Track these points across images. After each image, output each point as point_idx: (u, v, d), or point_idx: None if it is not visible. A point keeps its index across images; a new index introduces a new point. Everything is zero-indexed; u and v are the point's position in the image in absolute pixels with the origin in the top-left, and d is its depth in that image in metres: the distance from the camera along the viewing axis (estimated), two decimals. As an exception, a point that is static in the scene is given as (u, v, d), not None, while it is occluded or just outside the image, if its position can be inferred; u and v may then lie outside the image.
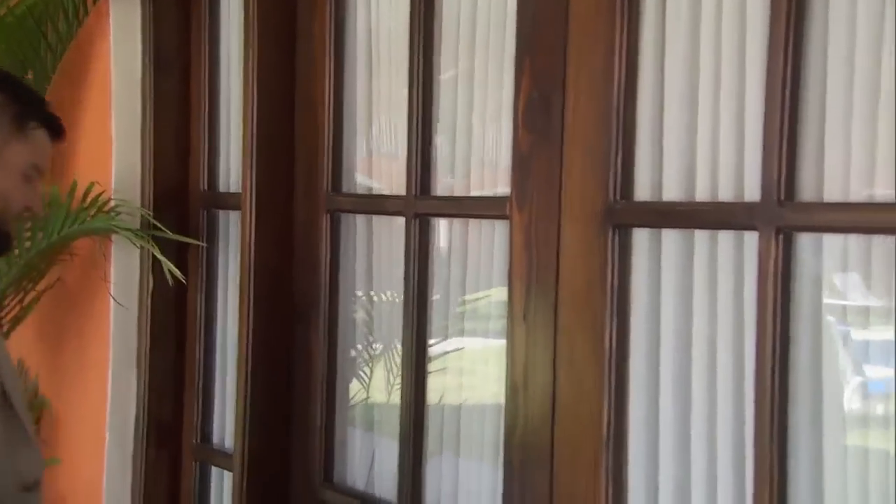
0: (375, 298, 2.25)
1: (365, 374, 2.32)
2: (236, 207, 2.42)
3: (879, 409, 1.36)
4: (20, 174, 1.54)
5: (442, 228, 2.03)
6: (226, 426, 2.61)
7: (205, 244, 2.60)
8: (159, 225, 2.52)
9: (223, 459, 2.56)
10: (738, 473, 1.49)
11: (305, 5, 2.24)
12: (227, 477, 2.55)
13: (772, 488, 1.40)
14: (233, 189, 2.53)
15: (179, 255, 2.59)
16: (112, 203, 2.53)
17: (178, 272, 2.45)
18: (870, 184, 1.34)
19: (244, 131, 2.27)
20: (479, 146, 1.96)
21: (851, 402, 1.38)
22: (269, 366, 2.31)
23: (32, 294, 2.74)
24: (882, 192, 1.32)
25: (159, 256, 2.46)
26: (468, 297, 2.02)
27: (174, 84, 2.59)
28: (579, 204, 1.66)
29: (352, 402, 2.31)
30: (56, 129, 1.60)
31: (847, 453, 1.38)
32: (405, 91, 2.01)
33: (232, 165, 2.55)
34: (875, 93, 1.32)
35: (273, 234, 2.29)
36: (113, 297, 2.60)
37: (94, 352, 2.73)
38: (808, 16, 1.38)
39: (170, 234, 2.51)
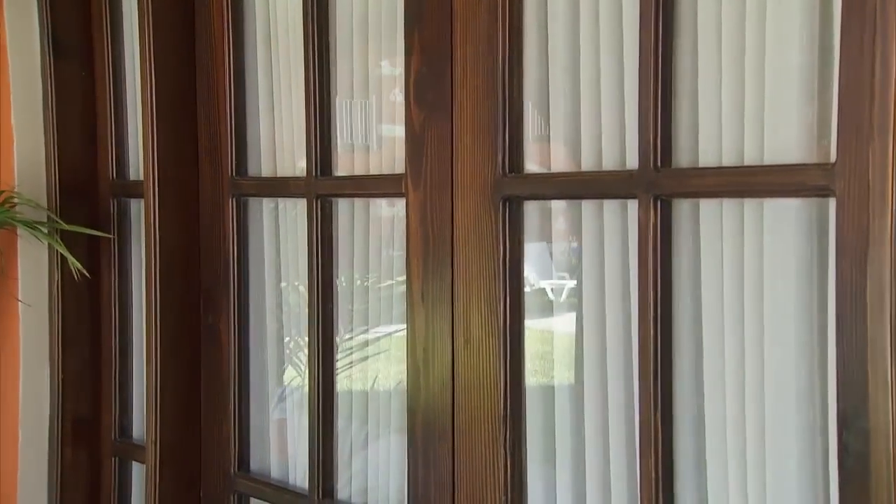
0: (284, 283, 2.25)
1: (278, 359, 2.31)
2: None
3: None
4: None
5: (344, 209, 2.03)
6: (144, 420, 2.60)
7: (113, 236, 2.57)
8: (55, 218, 2.48)
9: (142, 453, 2.54)
10: (630, 443, 1.52)
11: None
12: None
13: (657, 452, 1.43)
14: (143, 177, 2.51)
15: (91, 247, 2.57)
16: (11, 195, 2.49)
17: (80, 266, 2.41)
18: (740, 149, 1.37)
19: (143, 117, 2.25)
20: (377, 125, 1.97)
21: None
22: (179, 354, 2.30)
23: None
24: (750, 156, 1.35)
25: (62, 250, 2.43)
26: (373, 278, 2.03)
27: (76, 70, 2.55)
28: (470, 178, 1.68)
29: (267, 389, 2.31)
30: None
31: (727, 413, 1.41)
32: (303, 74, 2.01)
33: (141, 153, 2.53)
34: (741, 60, 1.35)
35: (178, 220, 2.28)
36: (19, 299, 2.56)
37: (3, 350, 2.69)
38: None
39: (64, 226, 2.46)
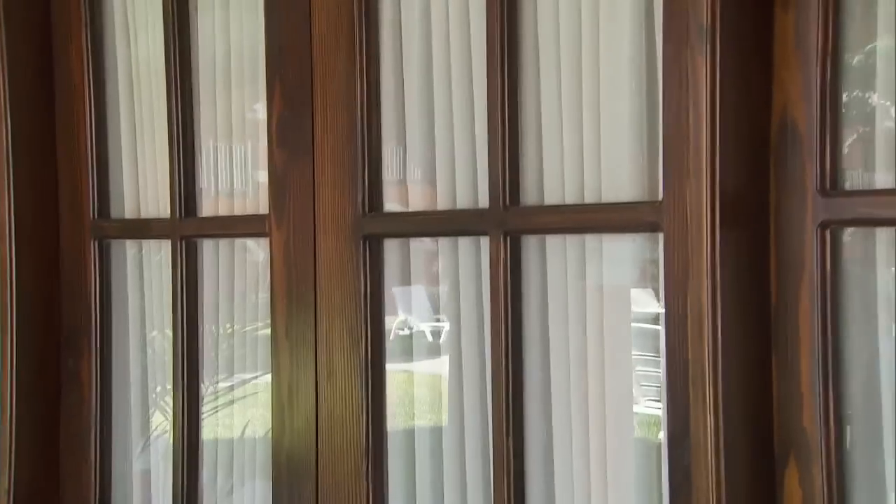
0: (149, 326, 2.26)
1: (142, 405, 2.32)
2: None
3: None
4: None
5: (208, 251, 2.07)
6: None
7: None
8: None
9: (-4, 504, 2.49)
10: (485, 470, 1.61)
11: (60, 29, 2.24)
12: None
13: (508, 482, 1.52)
14: (-2, 221, 2.49)
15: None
16: None
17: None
18: (580, 188, 1.50)
19: (-1, 158, 2.24)
20: (242, 167, 2.03)
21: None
22: (37, 397, 2.28)
23: None
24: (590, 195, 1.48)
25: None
26: (239, 322, 2.07)
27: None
28: (332, 217, 1.75)
29: (130, 435, 2.31)
30: None
31: (572, 437, 1.52)
32: (165, 115, 2.06)
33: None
34: (580, 108, 1.49)
35: (37, 262, 2.27)
36: None
37: None
38: (519, 40, 1.53)
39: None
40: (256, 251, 2.02)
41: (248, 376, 2.09)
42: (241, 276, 2.05)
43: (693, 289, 1.25)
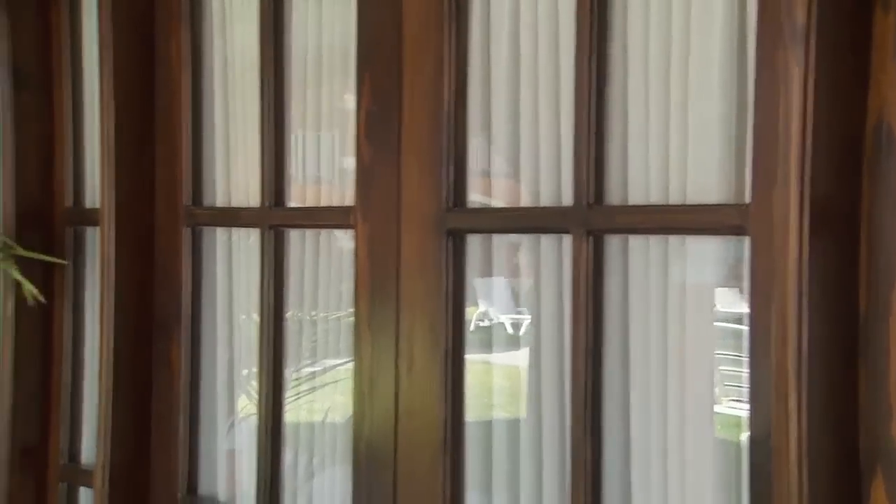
0: (237, 312, 2.30)
1: (229, 386, 2.36)
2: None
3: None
4: None
5: (295, 239, 2.09)
6: (94, 445, 2.62)
7: (68, 262, 2.61)
8: (11, 243, 2.51)
9: (90, 478, 2.57)
10: (561, 465, 1.60)
11: (162, 24, 2.29)
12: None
13: (585, 478, 1.50)
14: (100, 205, 2.56)
15: (46, 274, 2.60)
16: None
17: (36, 292, 2.45)
18: (665, 189, 1.47)
19: (101, 148, 2.30)
20: (330, 159, 2.04)
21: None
22: (130, 379, 2.34)
23: None
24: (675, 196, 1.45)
25: (18, 277, 2.45)
26: (323, 310, 2.09)
27: (35, 98, 2.59)
28: (416, 211, 1.76)
29: (216, 416, 2.35)
30: None
31: (651, 436, 1.50)
32: (258, 106, 2.09)
33: (98, 181, 2.58)
34: (667, 108, 1.46)
35: (133, 248, 2.32)
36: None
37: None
38: (609, 39, 1.50)
39: (24, 253, 2.50)
40: (342, 240, 2.03)
41: (330, 363, 2.11)
42: (325, 264, 2.07)
43: (779, 294, 1.21)
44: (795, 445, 1.17)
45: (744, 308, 1.36)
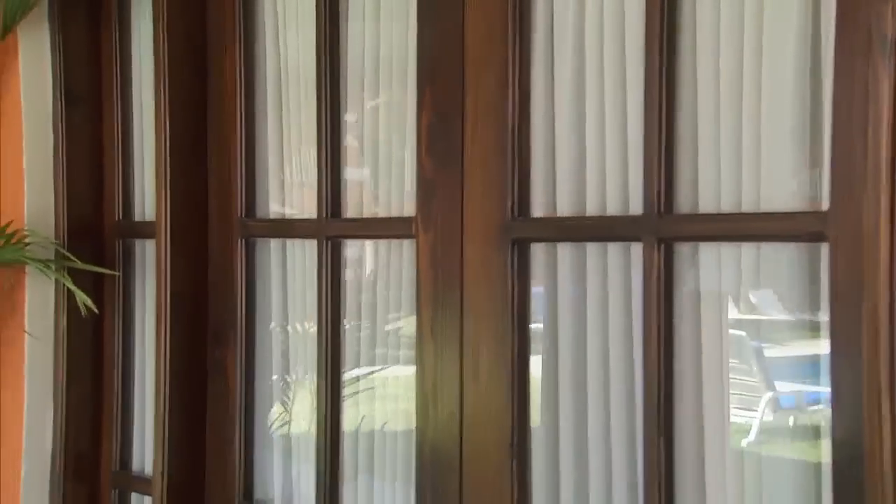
0: (292, 320, 2.29)
1: (283, 394, 2.35)
2: (151, 236, 2.45)
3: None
4: None
5: (353, 251, 2.08)
6: (145, 452, 2.61)
7: (119, 273, 2.60)
8: (69, 255, 2.51)
9: (143, 485, 2.56)
10: (631, 474, 1.58)
11: (215, 39, 2.28)
12: (147, 502, 2.55)
13: (660, 487, 1.49)
14: (148, 218, 2.55)
15: (96, 285, 2.59)
16: (22, 234, 2.52)
17: (90, 302, 2.44)
18: (737, 196, 1.45)
19: (157, 162, 2.30)
20: (387, 171, 2.03)
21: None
22: (186, 387, 2.33)
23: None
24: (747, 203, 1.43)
25: (71, 287, 2.45)
26: (381, 318, 2.08)
27: (85, 117, 2.59)
28: (480, 222, 1.74)
29: (271, 423, 2.35)
30: None
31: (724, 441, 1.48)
32: (314, 120, 2.07)
33: (147, 195, 2.57)
34: (738, 115, 1.44)
35: (188, 260, 2.32)
36: (27, 331, 2.58)
37: (6, 385, 2.70)
38: (678, 48, 1.49)
39: (80, 265, 2.50)
40: (399, 249, 2.01)
41: (388, 369, 2.10)
42: (383, 272, 2.05)
43: (868, 300, 1.19)
44: (890, 452, 1.15)
45: (819, 316, 1.35)
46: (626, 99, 1.57)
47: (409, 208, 1.93)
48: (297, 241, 2.22)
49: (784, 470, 1.45)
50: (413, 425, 1.89)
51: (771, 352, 1.45)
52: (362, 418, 2.12)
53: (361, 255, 2.09)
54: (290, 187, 2.23)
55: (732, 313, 1.47)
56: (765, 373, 1.60)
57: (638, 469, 1.55)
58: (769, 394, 1.64)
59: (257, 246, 2.29)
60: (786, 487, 1.43)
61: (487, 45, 1.70)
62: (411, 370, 1.92)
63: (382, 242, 2.04)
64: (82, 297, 2.43)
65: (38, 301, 2.61)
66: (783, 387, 1.57)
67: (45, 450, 2.64)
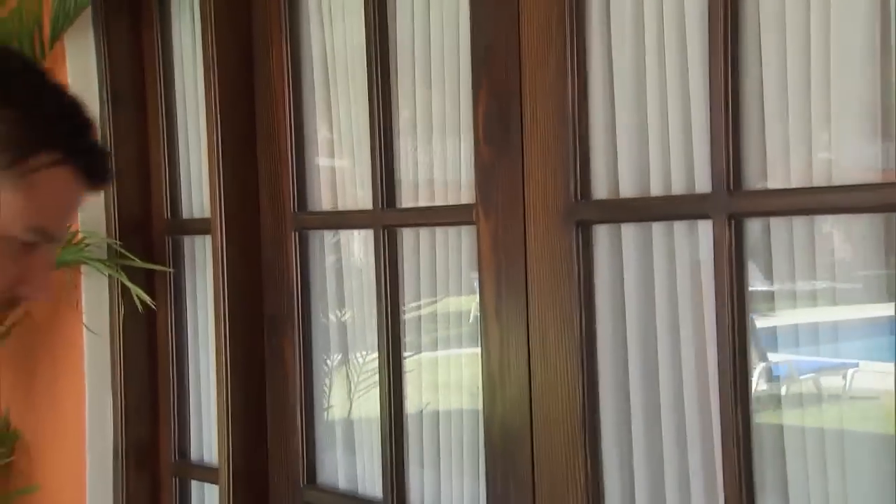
0: (346, 309, 2.30)
1: (343, 379, 2.36)
2: (201, 232, 2.45)
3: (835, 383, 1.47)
4: (12, 241, 0.91)
5: (409, 239, 2.08)
6: (203, 440, 2.63)
7: (171, 269, 2.61)
8: (127, 254, 2.52)
9: (202, 472, 2.59)
10: (707, 450, 1.58)
11: (260, 33, 2.27)
12: (207, 489, 2.58)
13: (739, 465, 1.49)
14: (196, 215, 2.56)
15: (147, 281, 2.60)
16: (80, 236, 2.53)
17: (147, 298, 2.46)
18: (808, 170, 1.44)
19: (209, 159, 2.29)
20: (439, 160, 2.02)
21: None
22: (246, 377, 2.34)
23: (1, 329, 2.71)
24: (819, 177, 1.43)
25: (128, 284, 2.46)
26: (438, 303, 2.08)
27: (131, 118, 2.59)
28: (542, 205, 1.74)
29: (331, 408, 2.36)
30: (92, 170, 0.94)
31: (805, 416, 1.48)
32: (364, 109, 2.06)
33: (194, 192, 2.58)
34: (806, 87, 1.43)
35: (242, 254, 2.32)
36: (86, 326, 2.60)
37: (67, 380, 2.72)
38: (742, 20, 1.48)
39: (137, 262, 2.51)
40: (456, 235, 2.01)
41: (449, 352, 2.10)
42: (443, 257, 2.05)
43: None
44: None
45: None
46: (688, 75, 1.56)
47: (464, 196, 1.93)
48: (350, 233, 2.22)
49: (862, 440, 1.45)
50: (477, 406, 1.90)
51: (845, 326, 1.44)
52: (425, 404, 2.13)
53: (416, 243, 2.08)
54: (342, 178, 2.23)
55: (808, 287, 1.46)
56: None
57: (714, 440, 1.56)
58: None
59: (310, 236, 2.29)
60: (863, 459, 1.44)
61: (545, 29, 1.69)
62: (471, 351, 1.93)
63: (439, 230, 2.04)
64: (138, 292, 2.44)
65: (94, 298, 2.62)
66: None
67: (107, 441, 2.67)
